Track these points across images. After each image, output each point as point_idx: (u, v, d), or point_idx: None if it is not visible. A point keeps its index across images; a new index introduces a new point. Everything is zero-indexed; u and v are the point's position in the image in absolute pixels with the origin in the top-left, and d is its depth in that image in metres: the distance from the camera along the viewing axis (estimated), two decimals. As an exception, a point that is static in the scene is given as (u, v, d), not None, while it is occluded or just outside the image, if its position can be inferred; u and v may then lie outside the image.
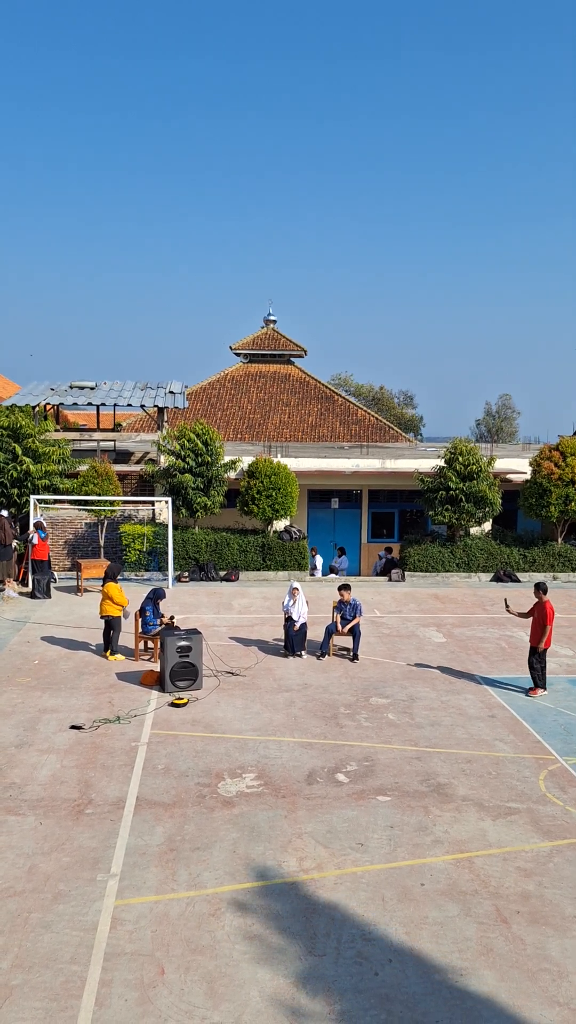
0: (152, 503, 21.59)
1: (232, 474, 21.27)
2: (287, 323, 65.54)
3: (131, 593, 15.77)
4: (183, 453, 20.09)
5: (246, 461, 21.46)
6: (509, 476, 22.80)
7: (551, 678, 12.07)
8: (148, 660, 12.95)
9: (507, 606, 12.37)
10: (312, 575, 21.54)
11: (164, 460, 21.24)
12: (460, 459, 20.32)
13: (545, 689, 11.52)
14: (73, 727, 9.82)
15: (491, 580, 20.60)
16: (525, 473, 22.20)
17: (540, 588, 11.66)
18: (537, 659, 11.48)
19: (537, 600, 11.77)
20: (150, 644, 13.32)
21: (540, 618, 11.54)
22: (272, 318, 39.16)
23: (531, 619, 11.85)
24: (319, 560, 22.01)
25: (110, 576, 13.22)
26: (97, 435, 23.27)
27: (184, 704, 10.70)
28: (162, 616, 13.13)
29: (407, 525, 25.62)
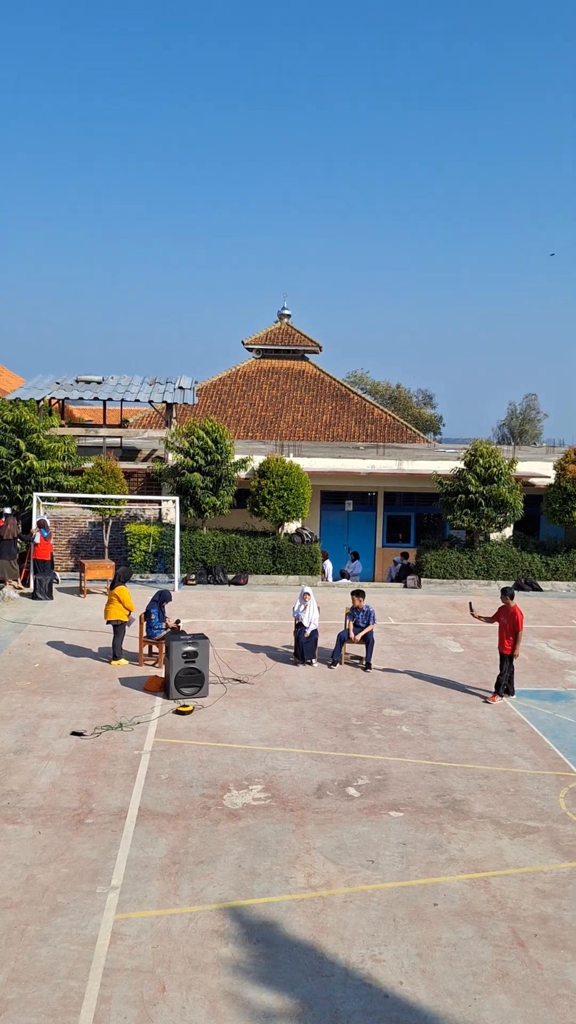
0: (159, 502, 21.64)
1: (242, 473, 21.30)
2: (302, 318, 65.59)
3: (136, 595, 15.83)
4: (192, 451, 20.14)
5: (257, 460, 21.48)
6: (532, 480, 22.71)
7: (573, 691, 12.02)
8: (152, 665, 12.98)
9: (471, 610, 12.36)
10: (323, 580, 21.53)
11: (172, 458, 21.30)
12: (480, 461, 20.26)
13: (512, 694, 11.61)
14: (74, 733, 9.85)
15: (512, 588, 20.51)
16: (549, 477, 22.10)
17: (507, 593, 11.70)
18: (509, 666, 11.57)
19: (504, 605, 11.76)
20: (155, 649, 13.36)
21: (510, 624, 11.56)
22: (286, 312, 39.22)
23: (497, 625, 11.84)
24: (329, 565, 22.01)
25: (121, 579, 13.27)
26: (103, 431, 23.36)
27: (189, 712, 10.71)
28: (167, 620, 13.16)
29: (424, 529, 25.57)
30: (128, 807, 8.07)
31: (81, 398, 22.74)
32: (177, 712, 10.72)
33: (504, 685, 11.61)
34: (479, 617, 12.30)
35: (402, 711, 11.13)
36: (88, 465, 20.77)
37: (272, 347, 37.72)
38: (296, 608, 13.54)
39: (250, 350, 38.19)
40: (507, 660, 11.62)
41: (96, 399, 22.66)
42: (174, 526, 19.93)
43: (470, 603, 12.74)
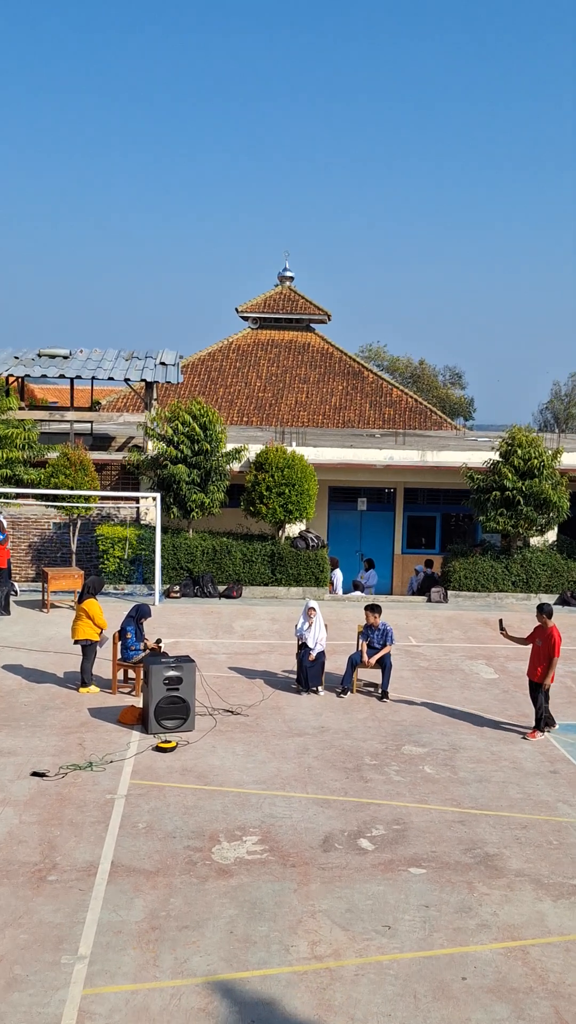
0: (136, 500, 21.66)
1: (236, 466, 21.31)
2: (307, 281, 65.76)
3: (109, 610, 15.83)
4: (176, 439, 20.16)
5: (253, 450, 21.50)
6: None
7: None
8: (128, 693, 12.98)
9: (502, 628, 12.35)
10: (332, 592, 21.54)
11: (152, 447, 21.32)
12: (519, 452, 20.26)
13: (554, 726, 11.66)
14: (35, 774, 9.86)
15: (556, 603, 20.51)
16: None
17: (544, 611, 11.68)
18: (544, 697, 11.60)
19: (540, 624, 11.78)
20: (131, 674, 13.37)
21: (546, 648, 11.58)
22: (288, 274, 39.25)
23: (531, 647, 11.90)
24: (338, 575, 22.03)
25: (91, 591, 13.29)
26: (70, 415, 23.38)
27: (172, 748, 10.73)
28: (146, 640, 13.17)
29: (451, 533, 25.58)
30: (99, 862, 8.08)
31: (44, 375, 22.77)
32: (157, 749, 10.73)
33: (544, 718, 11.60)
34: (511, 637, 12.30)
35: (425, 749, 11.13)
36: (52, 455, 20.79)
37: (272, 315, 37.76)
38: (299, 626, 13.54)
39: (245, 319, 38.22)
40: (538, 690, 11.60)
41: (62, 377, 22.68)
42: (154, 528, 19.96)
43: (500, 620, 12.74)
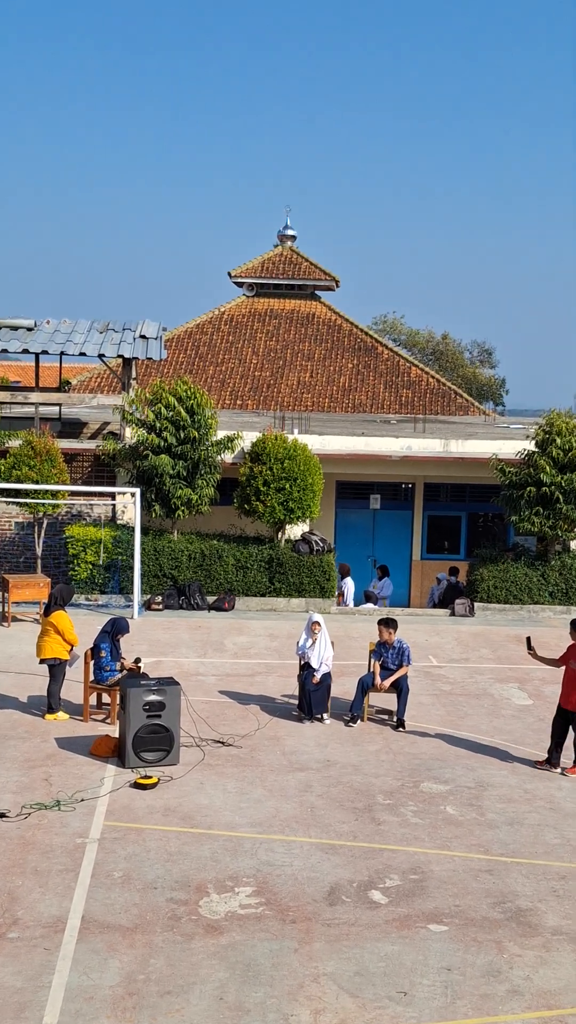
0: (112, 496, 21.68)
1: (228, 456, 21.32)
2: (311, 242, 65.81)
3: (80, 625, 15.80)
4: (158, 425, 20.18)
5: (249, 438, 21.53)
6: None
7: None
8: (102, 721, 13.00)
9: (530, 647, 12.35)
10: (340, 604, 21.56)
11: (131, 434, 21.34)
12: (558, 441, 20.26)
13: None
14: (-7, 814, 9.89)
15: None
16: None
17: None
18: (573, 726, 11.66)
19: (574, 643, 11.82)
20: (105, 698, 13.38)
21: None
22: (290, 233, 39.27)
23: (564, 669, 11.97)
24: (348, 585, 22.04)
25: (59, 601, 13.29)
26: (35, 396, 23.38)
27: (153, 785, 10.75)
28: (123, 659, 13.18)
29: (479, 535, 25.60)
30: (67, 916, 8.09)
31: (5, 350, 22.78)
32: (136, 786, 10.75)
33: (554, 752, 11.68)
34: (540, 658, 12.31)
35: (447, 786, 11.14)
36: (14, 443, 20.80)
37: (271, 280, 37.78)
38: (301, 643, 13.55)
39: (239, 284, 38.24)
40: (567, 718, 11.63)
41: (25, 351, 22.70)
42: (133, 529, 19.98)
43: (528, 638, 12.75)
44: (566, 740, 11.76)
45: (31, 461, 19.55)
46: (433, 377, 36.53)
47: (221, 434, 21.12)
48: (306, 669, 13.37)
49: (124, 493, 21.03)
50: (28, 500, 19.76)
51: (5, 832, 9.54)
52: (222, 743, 12.21)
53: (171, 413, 20.19)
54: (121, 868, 8.92)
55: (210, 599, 20.35)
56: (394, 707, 13.47)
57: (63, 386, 29.52)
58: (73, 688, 13.73)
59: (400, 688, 13.26)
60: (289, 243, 38.92)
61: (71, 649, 13.19)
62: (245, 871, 8.93)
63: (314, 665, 13.31)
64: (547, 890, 8.83)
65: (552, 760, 11.77)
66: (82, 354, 22.65)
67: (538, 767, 11.76)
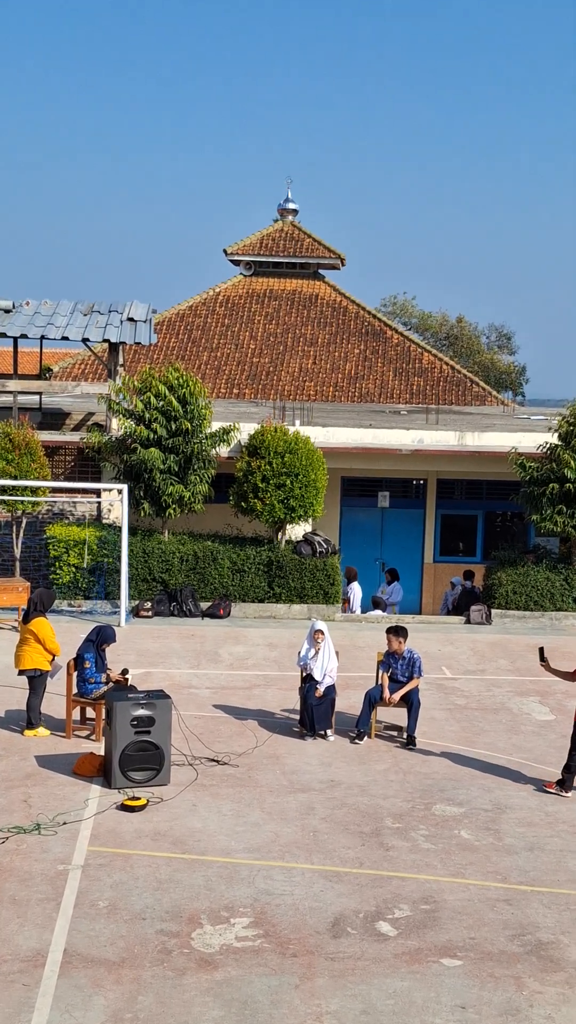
0: (97, 493, 21.70)
1: (224, 450, 21.34)
2: (314, 217, 65.49)
3: (63, 633, 15.83)
4: (148, 415, 20.21)
5: (246, 430, 21.55)
6: None
7: None
8: (86, 737, 13.03)
9: (542, 658, 12.36)
10: (346, 611, 21.58)
11: (118, 426, 21.37)
12: (583, 433, 20.30)
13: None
14: (-32, 838, 9.91)
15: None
16: None
17: None
18: None
19: None
20: (90, 713, 13.42)
21: None
22: (291, 206, 39.24)
23: None
24: (354, 590, 22.06)
25: (40, 607, 13.32)
26: (13, 384, 23.40)
27: (142, 807, 10.78)
28: (109, 670, 13.21)
29: (497, 536, 25.60)
30: (48, 950, 8.11)
31: (-19, 335, 22.77)
32: (123, 808, 10.78)
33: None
34: (553, 671, 12.37)
35: (461, 808, 11.18)
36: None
37: (270, 258, 37.76)
38: (303, 653, 13.58)
39: (236, 263, 38.22)
40: None
41: (3, 335, 22.71)
42: (120, 529, 20.01)
43: (541, 648, 12.77)
44: None
45: (9, 455, 19.58)
46: (447, 364, 36.53)
47: (216, 426, 21.15)
48: (308, 681, 13.39)
49: (110, 490, 21.06)
50: (6, 497, 19.79)
51: (-19, 858, 9.57)
52: (217, 762, 12.24)
53: (161, 403, 20.21)
54: (107, 897, 8.94)
55: (204, 605, 20.38)
56: (404, 723, 13.49)
57: (44, 373, 29.55)
58: (55, 702, 13.74)
59: (410, 702, 13.29)
60: (290, 218, 38.89)
61: (53, 659, 13.22)
62: (242, 900, 8.96)
63: (317, 677, 13.34)
64: (570, 921, 8.86)
65: (566, 784, 11.69)
66: (64, 338, 22.69)
67: (546, 790, 11.73)
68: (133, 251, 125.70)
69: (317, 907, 8.89)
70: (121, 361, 23.73)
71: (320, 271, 38.37)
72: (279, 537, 21.06)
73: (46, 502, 20.97)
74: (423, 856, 9.97)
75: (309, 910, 8.84)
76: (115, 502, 21.25)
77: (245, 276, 38.01)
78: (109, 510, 21.96)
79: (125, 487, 19.82)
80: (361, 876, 9.50)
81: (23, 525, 20.60)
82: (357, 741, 13.23)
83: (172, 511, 20.35)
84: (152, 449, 19.93)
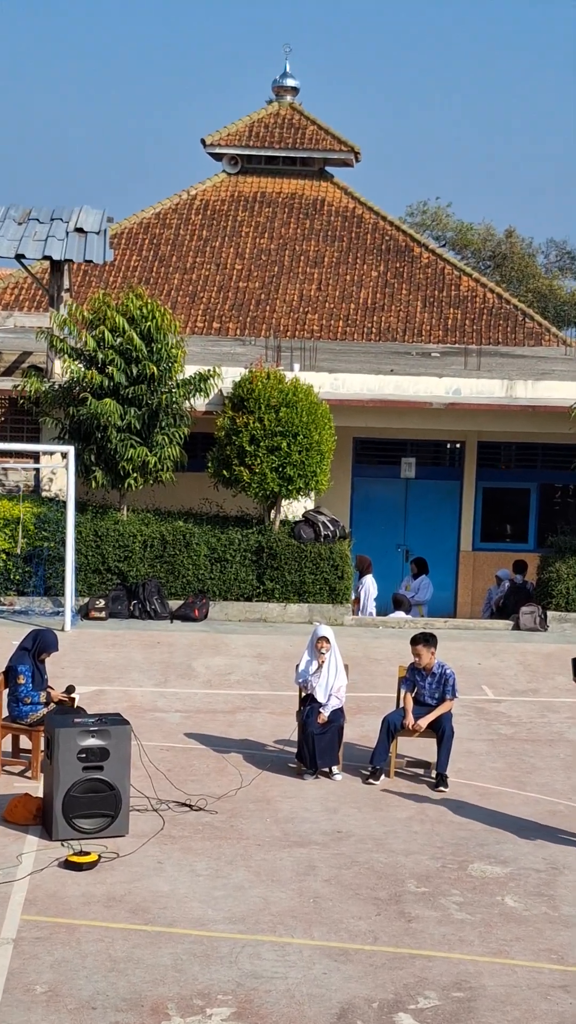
0: (35, 457, 21.65)
1: (200, 402, 21.29)
2: (321, 98, 65.25)
3: (-11, 639, 15.89)
4: (101, 356, 20.15)
5: (230, 376, 21.51)
6: None
7: None
8: (20, 774, 13.05)
9: None
10: (358, 613, 21.60)
11: (62, 369, 21.31)
12: None
13: None
14: None
15: None
16: None
17: None
18: None
19: None
20: (25, 742, 13.43)
21: None
22: (290, 84, 39.03)
23: None
24: (371, 584, 22.06)
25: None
26: None
27: (91, 864, 10.76)
28: (50, 687, 13.22)
29: (555, 516, 25.59)
30: (-29, 1047, 8.14)
31: None
32: (68, 865, 10.76)
33: None
34: None
35: (506, 868, 11.18)
36: None
37: (262, 151, 37.50)
38: (303, 667, 13.57)
39: (218, 157, 38.01)
40: None
41: None
42: (64, 504, 19.98)
43: (573, 660, 12.86)
44: None
45: None
46: (492, 291, 36.42)
47: (191, 370, 21.11)
48: (309, 704, 13.39)
49: (52, 453, 21.03)
50: None
51: None
52: (189, 807, 12.22)
53: (119, 340, 20.15)
54: (46, 980, 8.94)
55: (173, 604, 20.39)
56: (432, 758, 13.50)
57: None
58: (-21, 728, 13.77)
59: (441, 731, 13.28)
60: (289, 98, 38.69)
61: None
62: (221, 985, 8.95)
63: (320, 698, 13.33)
64: None
65: None
66: (-8, 254, 22.60)
67: None
68: (81, 140, 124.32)
69: (319, 994, 8.88)
70: (67, 285, 23.63)
71: (327, 168, 38.20)
72: (272, 516, 21.04)
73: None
74: (456, 929, 9.96)
75: (308, 998, 8.83)
76: (58, 469, 21.23)
77: (229, 174, 37.84)
78: (51, 480, 21.93)
79: (71, 449, 19.77)
80: (376, 955, 9.50)
81: None
82: (372, 781, 13.23)
83: (133, 481, 20.32)
84: (107, 400, 19.88)
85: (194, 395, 20.83)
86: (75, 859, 10.78)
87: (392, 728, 13.35)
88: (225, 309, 34.84)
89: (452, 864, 11.22)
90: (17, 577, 20.45)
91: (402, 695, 13.67)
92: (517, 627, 20.61)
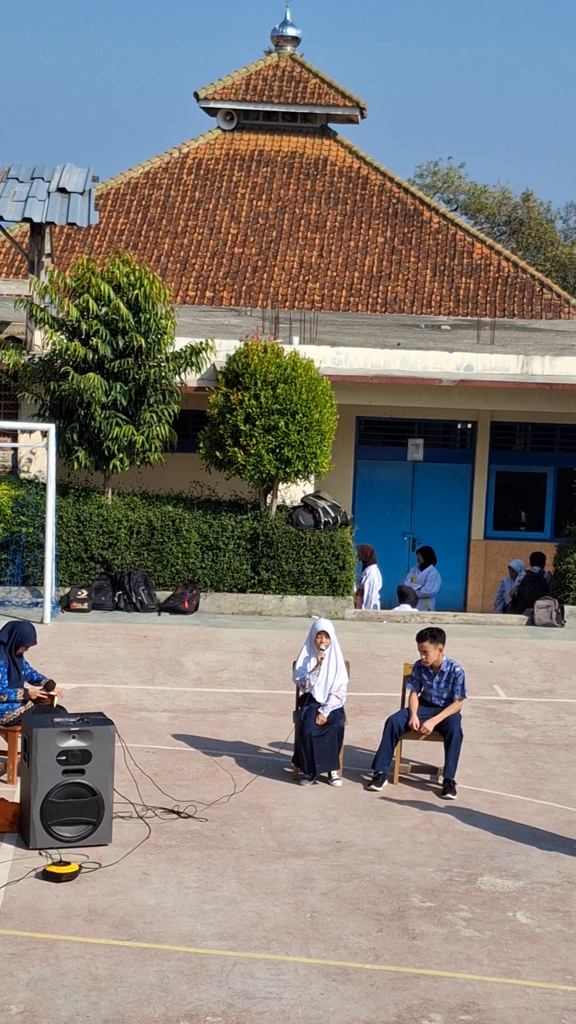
0: (12, 435, 21.62)
1: (191, 376, 21.26)
2: (323, 49, 65.13)
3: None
4: (85, 327, 20.13)
5: (224, 349, 21.48)
6: None
7: None
8: (-4, 778, 13.09)
9: None
10: (361, 606, 21.60)
11: (42, 341, 21.28)
12: None
13: None
14: None
15: None
16: None
17: None
18: None
19: None
20: (1, 742, 13.43)
21: None
22: (291, 33, 38.96)
23: None
24: (372, 576, 22.05)
25: None
26: None
27: (72, 875, 10.78)
28: (27, 685, 13.22)
29: (574, 502, 25.59)
30: None
31: None
32: (46, 876, 10.77)
33: None
34: None
35: (517, 882, 11.19)
36: None
37: (260, 106, 37.47)
38: (301, 664, 13.58)
39: (212, 112, 37.97)
40: None
41: None
42: (44, 486, 19.98)
43: None
44: None
45: None
46: (508, 259, 36.39)
47: (181, 343, 21.09)
48: (307, 703, 13.42)
49: (31, 431, 21.02)
50: None
51: None
52: (177, 814, 12.24)
53: (104, 309, 20.13)
54: (22, 999, 8.95)
55: (161, 596, 20.40)
56: (440, 762, 13.53)
57: None
58: (-49, 728, 13.78)
59: (449, 734, 13.30)
60: (289, 48, 38.63)
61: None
62: (210, 1005, 8.97)
63: (319, 698, 13.34)
64: None
65: None
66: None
67: None
68: (63, 91, 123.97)
69: (315, 1016, 8.90)
70: (48, 250, 23.60)
71: (330, 125, 38.15)
72: (268, 501, 21.05)
73: None
74: (464, 947, 9.98)
75: (304, 1020, 8.84)
76: (38, 448, 21.22)
77: (224, 131, 37.79)
78: (29, 460, 21.92)
79: (52, 428, 19.77)
80: (377, 974, 9.52)
81: None
82: (374, 787, 13.25)
83: (118, 462, 20.31)
84: (91, 375, 19.87)
85: (185, 370, 20.81)
86: (54, 869, 10.80)
87: (396, 730, 13.36)
88: (219, 277, 34.80)
89: (460, 877, 11.23)
90: (-7, 565, 20.46)
91: (407, 695, 13.68)
92: (532, 622, 20.63)
